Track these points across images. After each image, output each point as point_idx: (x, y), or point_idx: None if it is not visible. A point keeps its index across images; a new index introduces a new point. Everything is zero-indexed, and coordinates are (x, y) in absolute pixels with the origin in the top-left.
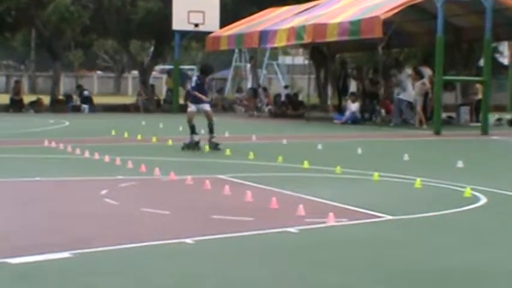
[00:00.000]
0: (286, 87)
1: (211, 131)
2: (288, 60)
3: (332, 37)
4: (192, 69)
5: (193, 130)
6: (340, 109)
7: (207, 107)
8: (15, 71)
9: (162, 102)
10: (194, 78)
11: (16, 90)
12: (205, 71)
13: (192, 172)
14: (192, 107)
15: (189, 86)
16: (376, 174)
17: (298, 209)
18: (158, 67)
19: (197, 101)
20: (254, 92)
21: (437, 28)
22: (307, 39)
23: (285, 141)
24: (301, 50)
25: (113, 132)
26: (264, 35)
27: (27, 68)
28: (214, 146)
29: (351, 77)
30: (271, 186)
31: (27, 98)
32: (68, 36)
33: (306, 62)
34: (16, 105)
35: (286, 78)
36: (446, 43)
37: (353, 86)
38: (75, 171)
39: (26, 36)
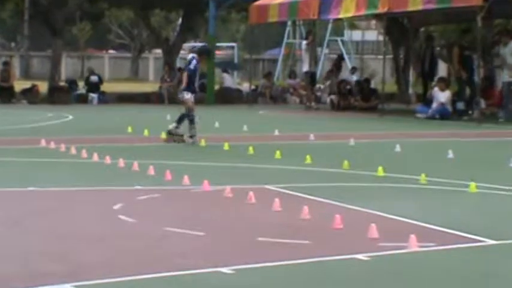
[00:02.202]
0: (353, 70)
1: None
2: (356, 35)
3: (415, 5)
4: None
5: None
6: (425, 99)
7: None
8: (4, 50)
9: None
10: (194, 61)
11: (4, 75)
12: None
13: (232, 181)
14: (189, 95)
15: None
16: (472, 184)
17: (369, 230)
18: (187, 45)
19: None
20: (312, 77)
21: None
22: (382, 9)
23: (352, 142)
24: (373, 23)
25: (129, 130)
26: (326, 3)
27: (18, 45)
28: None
29: (440, 57)
30: (334, 199)
31: (19, 85)
32: (71, 4)
33: (380, 38)
34: (4, 94)
35: (353, 59)
36: None
37: (442, 70)
38: (80, 179)
39: (17, 4)
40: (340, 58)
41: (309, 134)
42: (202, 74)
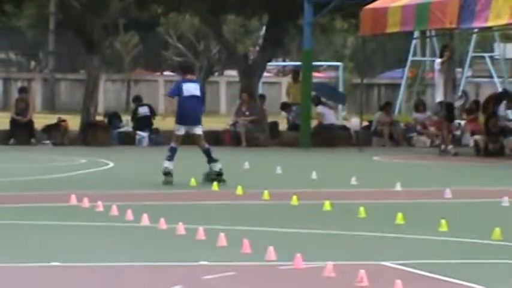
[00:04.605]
0: (511, 103)
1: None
2: None
3: None
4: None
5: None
6: None
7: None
8: (21, 72)
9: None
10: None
11: (21, 106)
12: (185, 69)
13: (335, 255)
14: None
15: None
16: None
17: None
18: (274, 64)
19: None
20: (448, 109)
21: None
22: None
23: (506, 201)
24: None
25: (192, 182)
26: (468, 6)
27: (41, 65)
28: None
29: None
30: (479, 282)
31: (41, 120)
32: (113, 9)
33: None
34: (21, 132)
35: (508, 83)
36: None
37: None
38: (124, 250)
39: (39, 11)
40: (507, 94)
41: (445, 189)
42: (295, 103)
